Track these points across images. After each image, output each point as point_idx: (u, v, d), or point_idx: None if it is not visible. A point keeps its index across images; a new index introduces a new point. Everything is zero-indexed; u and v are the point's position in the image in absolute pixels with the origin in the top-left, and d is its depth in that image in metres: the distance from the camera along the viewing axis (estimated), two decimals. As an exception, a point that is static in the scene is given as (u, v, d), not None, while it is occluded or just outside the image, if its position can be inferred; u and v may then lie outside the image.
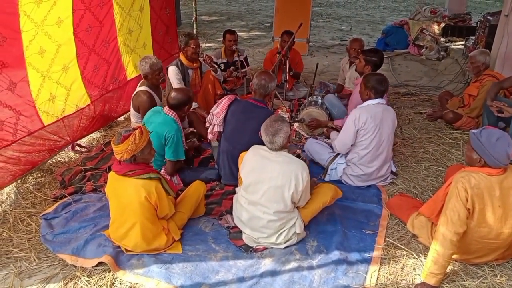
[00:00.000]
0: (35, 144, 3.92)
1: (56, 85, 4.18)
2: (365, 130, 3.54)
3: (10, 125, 3.63)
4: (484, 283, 2.69)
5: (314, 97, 4.91)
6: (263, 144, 3.00)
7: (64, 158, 4.25)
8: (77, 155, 4.34)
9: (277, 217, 2.88)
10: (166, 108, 3.56)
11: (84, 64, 4.57)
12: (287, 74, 5.48)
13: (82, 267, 2.81)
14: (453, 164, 4.05)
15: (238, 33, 5.82)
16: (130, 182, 2.72)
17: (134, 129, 2.68)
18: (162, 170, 3.63)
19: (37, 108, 3.94)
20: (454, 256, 2.80)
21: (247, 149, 3.38)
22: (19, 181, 3.73)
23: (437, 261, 2.57)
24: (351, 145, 3.65)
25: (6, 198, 3.55)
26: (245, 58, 5.88)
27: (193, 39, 4.76)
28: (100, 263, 2.81)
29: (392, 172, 3.89)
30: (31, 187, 3.71)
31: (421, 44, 7.92)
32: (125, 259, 2.84)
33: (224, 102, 3.63)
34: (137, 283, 2.68)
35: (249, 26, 11.21)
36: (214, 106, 3.67)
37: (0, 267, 2.83)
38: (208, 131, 3.78)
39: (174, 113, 3.55)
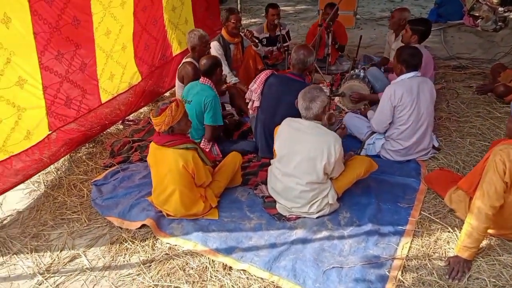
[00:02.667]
0: (91, 120, 4.19)
1: (116, 64, 4.42)
2: (402, 106, 3.47)
3: (76, 102, 3.93)
4: (521, 258, 2.62)
5: (356, 71, 4.82)
6: (299, 117, 3.04)
7: (113, 130, 4.52)
8: (125, 127, 4.59)
9: (309, 188, 2.94)
10: (201, 78, 3.69)
11: (137, 42, 4.75)
12: (329, 48, 5.41)
13: (127, 229, 3.04)
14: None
15: (283, 8, 5.78)
16: (169, 152, 2.88)
17: (171, 101, 2.81)
18: (202, 141, 3.77)
19: (99, 86, 4.20)
20: (490, 231, 2.75)
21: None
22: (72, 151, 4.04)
23: (471, 234, 2.53)
24: (389, 123, 3.60)
25: (61, 166, 3.87)
26: (287, 32, 5.84)
27: (234, 14, 4.81)
28: (143, 226, 3.02)
29: (434, 147, 3.80)
30: (83, 157, 4.00)
31: (477, 14, 7.45)
32: (166, 222, 3.04)
33: (262, 77, 3.68)
34: (176, 245, 2.87)
35: (295, 0, 11.04)
36: (252, 82, 3.74)
37: (55, 227, 3.12)
38: (248, 107, 3.86)
39: (209, 80, 3.67)
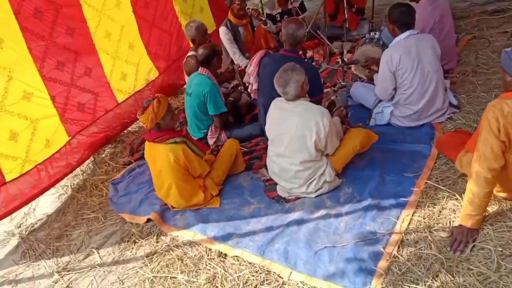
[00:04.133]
0: (111, 120, 4.40)
1: (125, 63, 4.57)
2: (403, 69, 3.22)
3: (90, 106, 4.14)
4: (536, 222, 2.36)
5: (372, 33, 4.55)
6: None
7: (135, 128, 4.71)
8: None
9: (303, 167, 2.87)
10: (200, 68, 3.70)
11: (148, 39, 4.88)
12: (346, 13, 5.12)
13: (137, 223, 3.20)
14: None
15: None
16: (159, 148, 2.95)
17: (153, 98, 2.87)
18: (209, 130, 3.81)
19: (111, 87, 4.39)
20: (501, 194, 2.51)
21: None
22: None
23: (473, 201, 2.32)
24: (393, 89, 3.37)
25: (87, 168, 4.13)
26: (301, 4, 5.63)
27: (236, -5, 4.73)
28: (150, 220, 3.16)
29: (452, 105, 3.50)
30: (106, 157, 4.24)
31: None
32: (171, 214, 3.15)
33: (256, 58, 3.60)
34: (177, 235, 2.97)
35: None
36: (248, 65, 3.68)
37: (76, 227, 3.37)
38: (249, 90, 3.82)
39: (206, 70, 3.66)
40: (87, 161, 4.18)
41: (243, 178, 3.38)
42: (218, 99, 3.66)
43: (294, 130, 2.81)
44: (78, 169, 4.07)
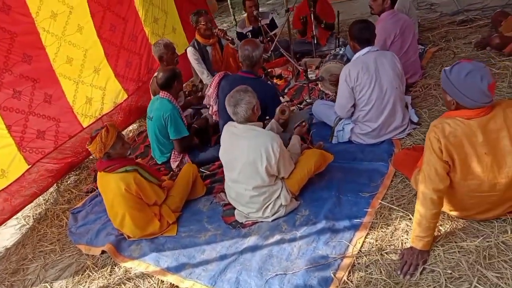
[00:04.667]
0: (75, 146, 4.33)
1: (90, 88, 4.53)
2: (360, 85, 3.20)
3: (51, 133, 4.07)
4: (487, 241, 2.29)
5: (337, 49, 4.54)
6: None
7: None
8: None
9: (257, 192, 2.81)
10: (160, 92, 3.65)
11: (115, 62, 4.86)
12: (314, 29, 5.12)
13: (92, 255, 3.12)
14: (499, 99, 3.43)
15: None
16: (110, 177, 2.89)
17: (102, 127, 2.82)
18: (172, 155, 3.76)
19: (75, 112, 4.33)
20: (453, 213, 2.46)
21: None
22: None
23: (421, 223, 2.27)
24: (352, 106, 3.33)
25: (50, 197, 4.05)
26: (272, 20, 5.64)
27: (202, 16, 4.71)
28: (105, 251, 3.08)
29: (413, 122, 3.47)
30: (71, 184, 4.17)
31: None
32: (127, 245, 3.07)
33: (215, 80, 3.59)
34: (131, 267, 2.89)
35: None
36: (208, 87, 3.65)
37: (33, 260, 3.29)
38: (209, 112, 3.78)
39: (167, 93, 3.61)
40: (51, 189, 4.10)
41: (202, 203, 3.32)
42: (179, 123, 3.61)
43: (245, 156, 2.76)
44: (41, 198, 4.00)
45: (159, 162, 3.86)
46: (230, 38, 4.87)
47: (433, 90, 3.90)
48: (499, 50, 4.09)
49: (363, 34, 3.18)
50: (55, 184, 4.13)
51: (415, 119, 3.49)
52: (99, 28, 4.60)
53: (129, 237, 3.09)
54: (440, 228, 2.45)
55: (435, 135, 2.17)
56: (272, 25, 5.65)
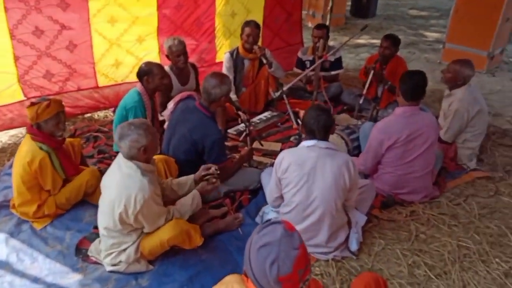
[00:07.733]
0: (77, 99, 4.44)
1: (125, 53, 4.55)
2: (286, 180, 2.60)
3: (60, 78, 4.24)
4: None
5: (359, 122, 3.87)
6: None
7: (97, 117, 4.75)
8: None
9: (107, 234, 2.54)
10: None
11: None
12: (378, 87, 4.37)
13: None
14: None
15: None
16: (28, 143, 2.86)
17: (48, 99, 2.81)
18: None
19: (96, 69, 4.44)
20: None
21: (174, 155, 3.09)
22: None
23: None
24: (279, 197, 2.77)
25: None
26: (338, 59, 4.96)
27: (248, 27, 4.38)
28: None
29: (348, 250, 2.75)
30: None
31: None
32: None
33: (177, 98, 3.33)
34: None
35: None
36: (170, 102, 3.41)
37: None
38: (165, 126, 3.53)
39: (140, 85, 3.48)
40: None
41: (89, 213, 3.10)
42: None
43: (109, 190, 2.48)
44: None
45: (114, 151, 3.79)
46: (268, 61, 4.42)
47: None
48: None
49: (313, 125, 2.54)
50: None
51: (353, 247, 2.75)
52: (162, 2, 4.55)
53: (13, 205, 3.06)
54: None
55: None
56: (338, 63, 4.97)
